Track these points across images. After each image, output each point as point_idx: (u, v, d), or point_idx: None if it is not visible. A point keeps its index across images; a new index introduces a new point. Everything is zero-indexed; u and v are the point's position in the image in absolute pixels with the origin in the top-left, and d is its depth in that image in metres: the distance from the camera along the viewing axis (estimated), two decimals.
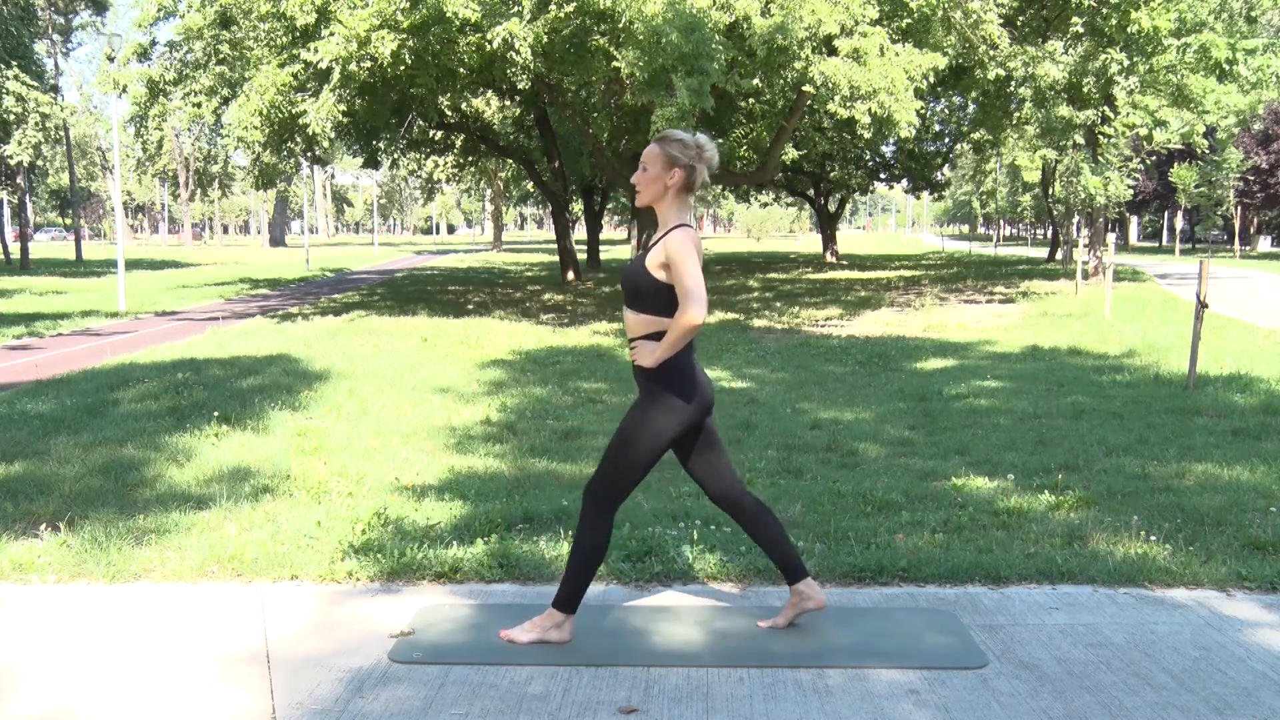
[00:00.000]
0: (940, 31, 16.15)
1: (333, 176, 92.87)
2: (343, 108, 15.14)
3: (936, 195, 42.05)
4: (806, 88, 14.93)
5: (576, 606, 3.52)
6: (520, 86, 19.38)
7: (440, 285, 26.86)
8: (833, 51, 14.83)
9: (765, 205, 55.53)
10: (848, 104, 14.49)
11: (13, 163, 31.72)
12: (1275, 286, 23.37)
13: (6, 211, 50.78)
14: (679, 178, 3.37)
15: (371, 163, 28.71)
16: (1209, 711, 3.05)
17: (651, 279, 3.32)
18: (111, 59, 21.04)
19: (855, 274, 30.19)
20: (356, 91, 15.63)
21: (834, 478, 5.74)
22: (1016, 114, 23.59)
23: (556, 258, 31.80)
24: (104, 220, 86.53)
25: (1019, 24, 21.09)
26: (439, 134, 27.11)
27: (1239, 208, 45.13)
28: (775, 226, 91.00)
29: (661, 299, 3.32)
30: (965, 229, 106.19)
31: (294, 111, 15.48)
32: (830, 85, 14.45)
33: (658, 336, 3.33)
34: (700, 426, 3.50)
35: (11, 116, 28.76)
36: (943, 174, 40.00)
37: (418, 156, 31.56)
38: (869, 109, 14.42)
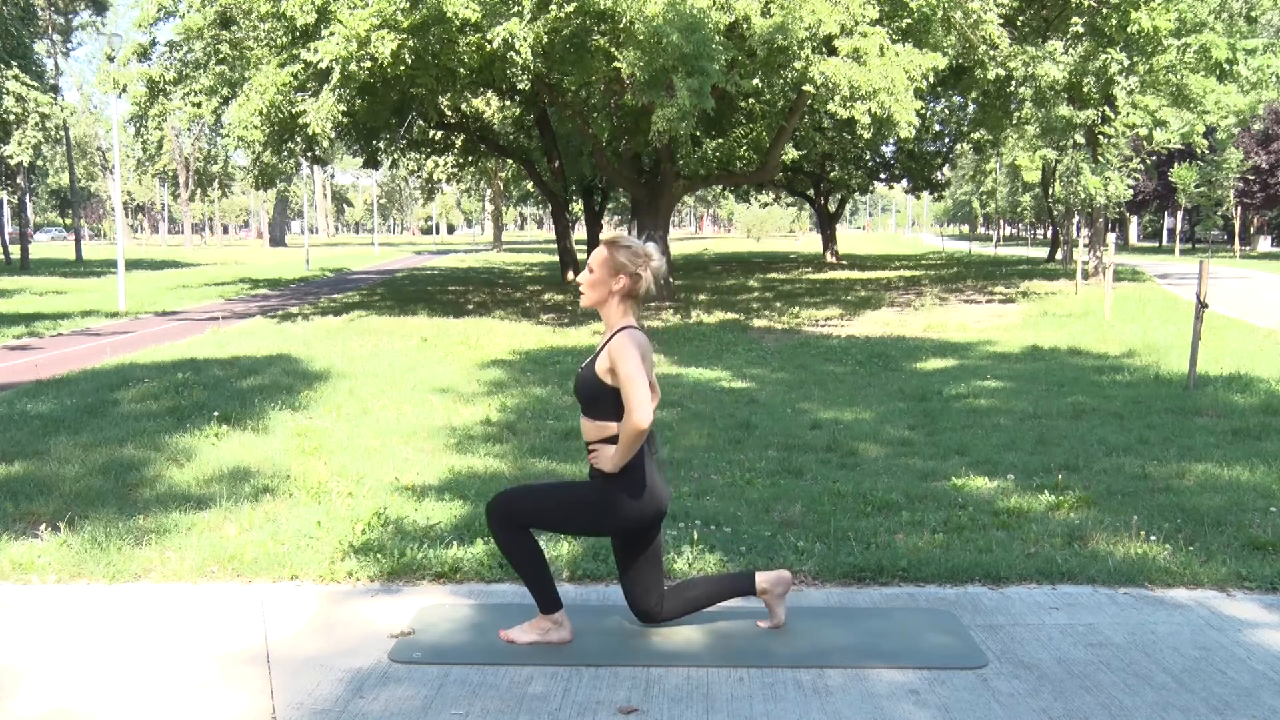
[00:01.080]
0: (940, 31, 16.14)
1: (333, 176, 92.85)
2: (343, 108, 15.14)
3: (936, 195, 42.03)
4: (806, 88, 14.92)
5: (558, 601, 3.53)
6: (520, 86, 19.38)
7: (440, 285, 26.87)
8: (833, 51, 14.83)
9: (765, 205, 55.50)
10: (848, 104, 14.48)
11: (13, 163, 31.71)
12: (1275, 286, 23.36)
13: (6, 211, 50.79)
14: (624, 284, 3.37)
15: (371, 163, 28.69)
16: (1209, 711, 3.05)
17: (601, 384, 3.32)
18: (111, 59, 21.03)
19: (855, 274, 30.19)
20: (356, 91, 15.63)
21: (834, 478, 5.74)
22: (1016, 114, 23.58)
23: (556, 258, 31.80)
24: (104, 220, 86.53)
25: (1019, 24, 21.08)
26: (439, 134, 27.09)
27: (1239, 208, 45.12)
28: (775, 226, 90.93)
29: (611, 403, 3.31)
30: (965, 229, 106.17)
31: (294, 111, 15.48)
32: (830, 85, 14.45)
33: (614, 440, 3.33)
34: (648, 532, 3.47)
35: (11, 116, 28.75)
36: (943, 174, 39.99)
37: (418, 156, 31.54)
38: (869, 109, 14.41)
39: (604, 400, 3.33)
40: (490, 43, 14.08)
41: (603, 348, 3.35)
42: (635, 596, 3.54)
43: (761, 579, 3.61)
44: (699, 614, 3.78)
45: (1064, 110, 21.12)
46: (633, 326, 3.36)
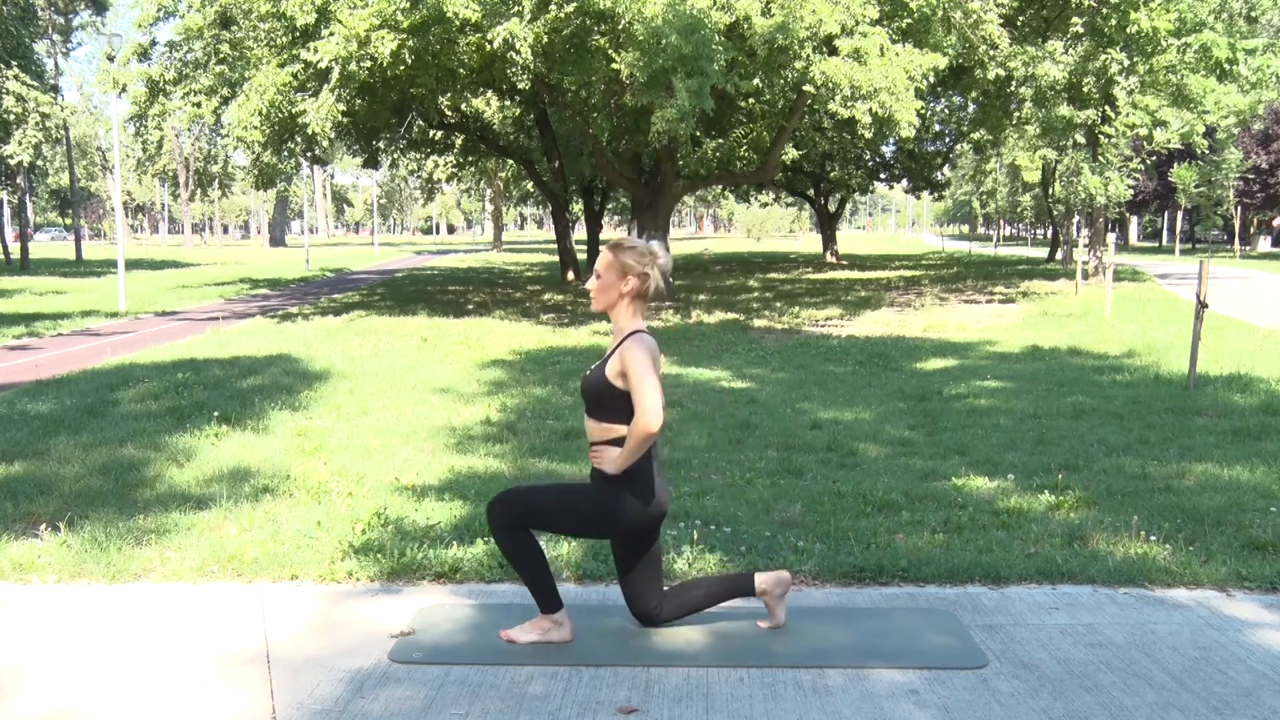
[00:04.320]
0: (940, 31, 16.14)
1: (332, 176, 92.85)
2: (343, 108, 15.13)
3: (936, 195, 42.03)
4: (807, 87, 14.93)
5: (559, 601, 3.53)
6: (520, 86, 19.39)
7: (440, 285, 26.86)
8: (833, 51, 14.83)
9: (765, 205, 55.51)
10: (848, 104, 14.48)
11: (13, 163, 31.71)
12: (1275, 286, 23.36)
13: (6, 211, 50.78)
14: (633, 285, 3.39)
15: (371, 163, 28.70)
16: (1209, 711, 3.05)
17: (610, 387, 3.33)
18: (111, 59, 21.01)
19: (855, 274, 30.19)
20: (356, 91, 15.63)
21: (834, 478, 5.74)
22: (1016, 114, 23.58)
23: (556, 258, 31.80)
24: (104, 220, 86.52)
25: (1019, 24, 21.09)
26: (439, 134, 27.10)
27: (1239, 208, 45.12)
28: (775, 226, 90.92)
29: (621, 407, 3.33)
30: (965, 229, 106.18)
31: (294, 111, 15.48)
32: (831, 85, 14.45)
33: (619, 442, 3.34)
34: (648, 535, 3.49)
35: (11, 116, 28.75)
36: (943, 174, 39.98)
37: (418, 156, 31.56)
38: (869, 109, 14.41)
39: (613, 403, 3.35)
40: (490, 43, 14.08)
41: (613, 352, 3.37)
42: (634, 597, 3.56)
43: (761, 580, 3.61)
44: (699, 614, 3.78)
45: (1064, 110, 21.11)
46: (642, 331, 3.38)
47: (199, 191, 66.46)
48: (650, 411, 3.21)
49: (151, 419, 7.45)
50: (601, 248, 3.48)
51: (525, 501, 3.47)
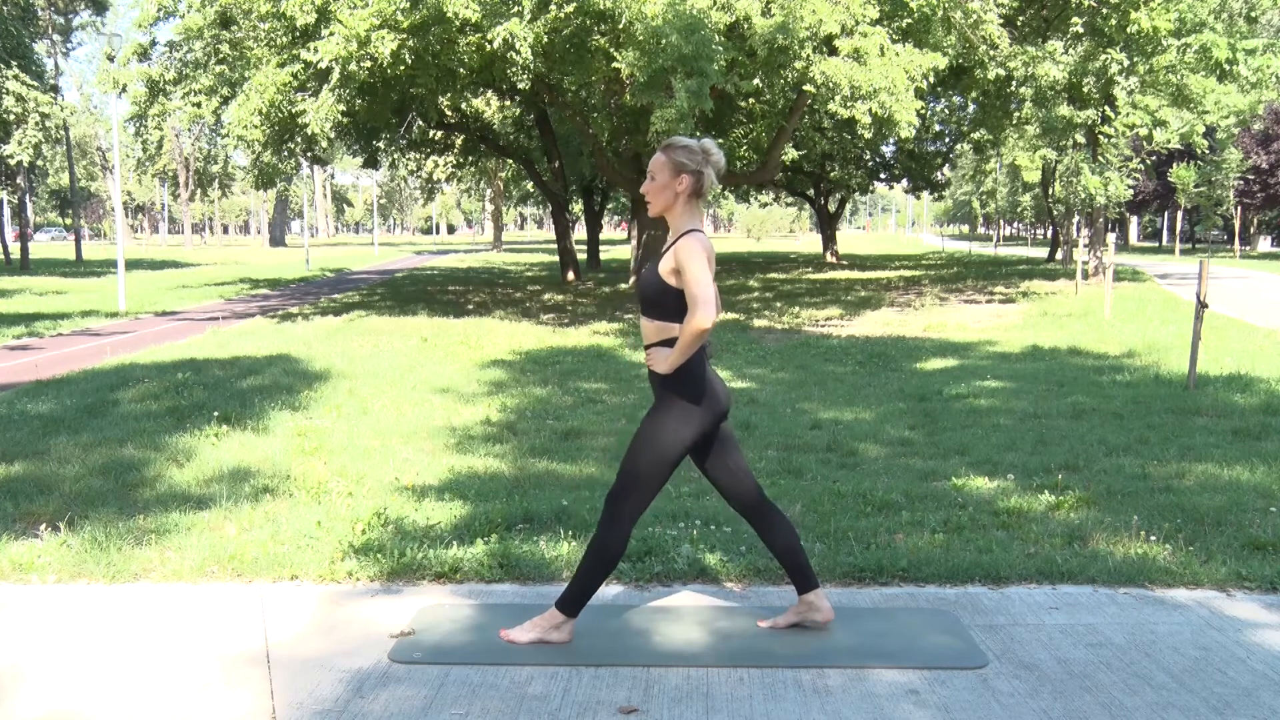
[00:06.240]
0: (940, 31, 16.13)
1: (333, 176, 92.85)
2: (343, 108, 15.13)
3: (936, 195, 42.03)
4: (807, 87, 14.92)
5: (579, 610, 3.52)
6: (520, 86, 19.37)
7: (440, 285, 26.86)
8: (833, 51, 14.82)
9: (765, 205, 55.53)
10: (848, 104, 14.47)
11: (13, 163, 31.69)
12: (1275, 286, 23.36)
13: (6, 211, 50.78)
14: (687, 184, 3.39)
15: (371, 163, 28.70)
16: (1209, 711, 3.05)
17: (664, 285, 3.34)
18: (111, 59, 21.02)
19: (855, 274, 30.19)
20: (356, 91, 15.62)
21: (834, 478, 5.74)
22: (1016, 114, 23.58)
23: (556, 258, 31.80)
24: (104, 220, 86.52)
25: (1019, 24, 21.08)
26: (439, 134, 27.10)
27: (1239, 208, 45.12)
28: (775, 226, 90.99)
29: (674, 305, 3.33)
30: (965, 229, 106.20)
31: (294, 111, 15.48)
32: (831, 85, 14.44)
33: (673, 343, 3.34)
34: (715, 432, 3.51)
35: (11, 116, 28.73)
36: (943, 174, 39.97)
37: (418, 156, 31.56)
38: (869, 109, 14.41)
39: (666, 301, 3.35)
40: (490, 43, 14.07)
41: (668, 249, 3.37)
42: (731, 492, 3.56)
43: (818, 594, 3.62)
44: (699, 614, 3.78)
45: (1064, 110, 21.12)
46: (698, 230, 3.37)
47: (199, 191, 66.53)
48: (703, 307, 3.21)
49: (151, 419, 7.45)
50: (658, 148, 3.45)
51: (623, 480, 3.43)
